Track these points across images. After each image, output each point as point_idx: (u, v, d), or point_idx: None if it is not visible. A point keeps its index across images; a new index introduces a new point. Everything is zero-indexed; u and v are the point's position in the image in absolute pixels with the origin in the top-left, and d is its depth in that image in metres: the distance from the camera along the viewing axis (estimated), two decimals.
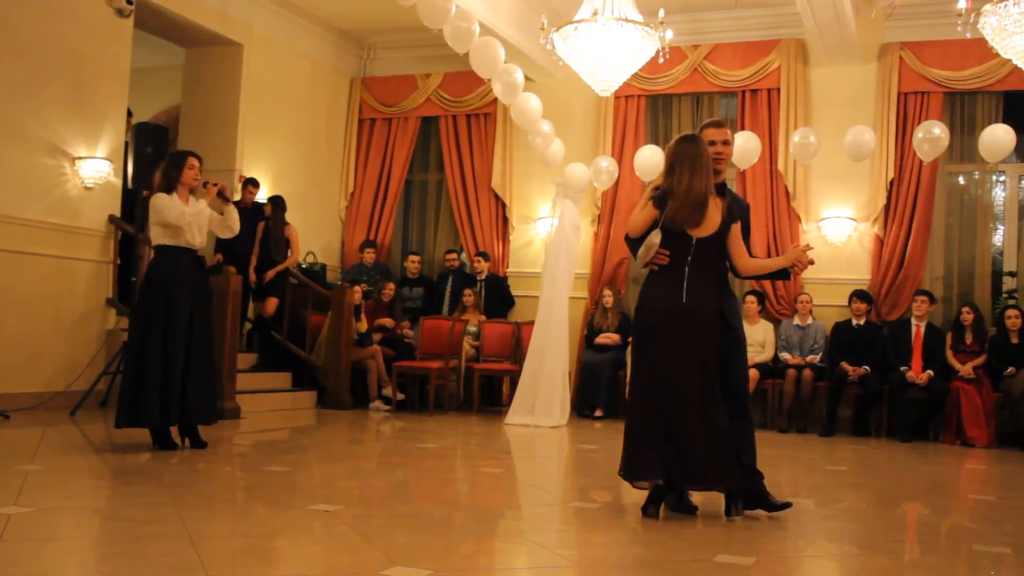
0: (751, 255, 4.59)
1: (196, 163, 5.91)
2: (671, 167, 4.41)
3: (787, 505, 4.48)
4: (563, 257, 8.69)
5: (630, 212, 10.18)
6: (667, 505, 4.40)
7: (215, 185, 6.01)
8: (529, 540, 3.99)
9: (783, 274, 4.69)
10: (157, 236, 5.82)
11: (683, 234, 4.33)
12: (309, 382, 9.40)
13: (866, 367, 8.72)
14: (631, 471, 4.35)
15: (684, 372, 4.28)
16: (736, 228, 4.41)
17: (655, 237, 4.37)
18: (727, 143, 4.57)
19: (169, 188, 5.81)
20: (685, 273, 4.32)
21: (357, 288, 9.46)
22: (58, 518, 3.87)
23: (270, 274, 9.15)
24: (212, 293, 6.37)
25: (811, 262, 4.53)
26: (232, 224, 6.13)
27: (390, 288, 10.03)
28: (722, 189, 4.55)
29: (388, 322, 9.89)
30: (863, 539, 4.23)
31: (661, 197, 4.41)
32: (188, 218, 5.78)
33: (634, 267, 9.82)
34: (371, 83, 11.40)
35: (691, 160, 4.35)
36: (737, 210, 4.53)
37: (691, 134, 4.54)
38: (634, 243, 4.54)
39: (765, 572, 3.49)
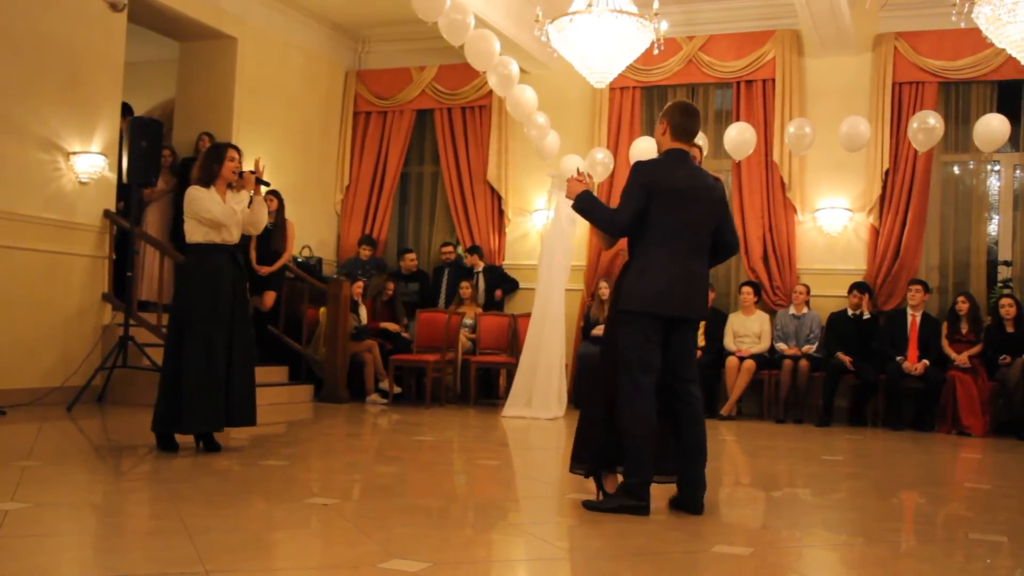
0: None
1: (236, 155, 5.59)
2: None
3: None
4: (559, 249, 8.68)
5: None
6: None
7: (253, 172, 5.68)
8: (527, 532, 4.00)
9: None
10: (192, 233, 5.49)
11: None
12: (306, 376, 9.41)
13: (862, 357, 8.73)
14: None
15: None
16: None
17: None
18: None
19: (208, 182, 5.49)
20: None
21: (358, 285, 9.49)
22: (55, 514, 3.86)
23: (266, 270, 9.12)
24: (248, 291, 6.05)
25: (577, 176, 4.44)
26: (259, 220, 5.73)
27: (390, 288, 10.02)
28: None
29: (393, 327, 9.86)
30: (860, 528, 4.25)
31: None
32: (233, 216, 5.48)
33: None
34: (366, 76, 11.37)
35: None
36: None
37: None
38: None
39: (762, 562, 3.50)
